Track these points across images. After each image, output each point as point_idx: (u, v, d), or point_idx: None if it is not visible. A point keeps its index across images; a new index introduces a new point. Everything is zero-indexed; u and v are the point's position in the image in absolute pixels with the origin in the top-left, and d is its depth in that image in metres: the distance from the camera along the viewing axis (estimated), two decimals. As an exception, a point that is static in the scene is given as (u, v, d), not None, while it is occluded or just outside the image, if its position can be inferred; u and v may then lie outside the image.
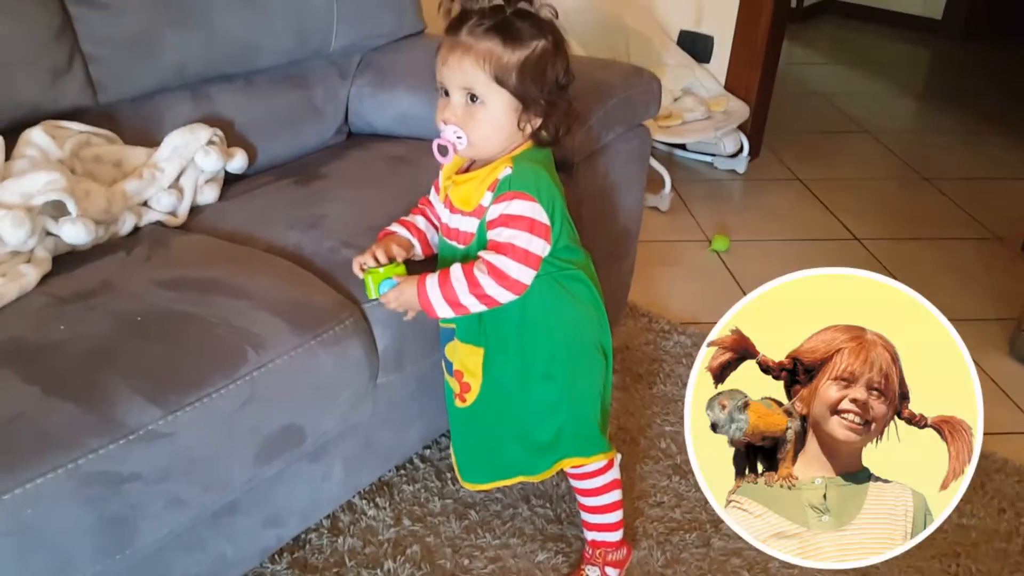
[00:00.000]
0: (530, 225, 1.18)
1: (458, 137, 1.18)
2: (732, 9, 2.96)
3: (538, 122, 1.21)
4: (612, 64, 1.87)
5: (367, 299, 1.31)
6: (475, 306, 1.19)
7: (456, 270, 1.19)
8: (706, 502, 1.61)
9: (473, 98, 1.17)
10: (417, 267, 1.30)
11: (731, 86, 3.05)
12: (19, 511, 0.96)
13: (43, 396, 1.05)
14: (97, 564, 1.05)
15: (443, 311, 1.21)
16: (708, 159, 3.14)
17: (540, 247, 1.19)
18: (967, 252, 2.66)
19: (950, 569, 1.53)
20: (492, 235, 1.20)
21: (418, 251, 1.38)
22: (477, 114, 1.17)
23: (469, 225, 1.24)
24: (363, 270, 1.28)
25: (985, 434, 1.86)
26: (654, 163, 2.80)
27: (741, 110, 2.94)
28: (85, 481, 1.01)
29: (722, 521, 1.58)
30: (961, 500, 1.64)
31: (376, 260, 1.28)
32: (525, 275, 1.19)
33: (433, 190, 1.38)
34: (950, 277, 2.50)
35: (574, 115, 1.26)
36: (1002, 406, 1.98)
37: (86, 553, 1.04)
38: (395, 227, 1.37)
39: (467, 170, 1.27)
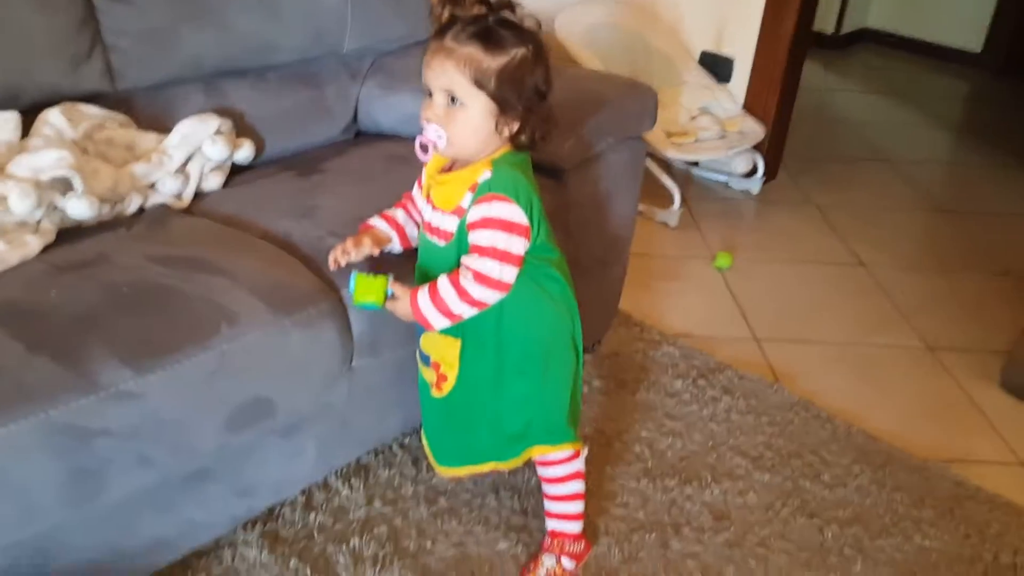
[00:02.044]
0: (509, 226, 1.24)
1: (439, 136, 1.25)
2: (753, 32, 2.99)
3: (516, 126, 1.27)
4: (609, 77, 1.93)
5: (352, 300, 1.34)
6: (469, 312, 1.26)
7: (443, 283, 1.26)
8: (670, 506, 1.67)
9: (454, 100, 1.23)
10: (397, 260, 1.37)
11: (749, 107, 3.08)
12: (-8, 454, 1.05)
13: (25, 352, 1.13)
14: (64, 512, 1.14)
15: (439, 323, 1.28)
16: (724, 179, 3.18)
17: (520, 246, 1.26)
18: (972, 284, 2.65)
19: (905, 588, 1.55)
20: (473, 237, 1.26)
21: (396, 245, 1.44)
22: (457, 115, 1.24)
23: (449, 224, 1.31)
24: (337, 264, 1.36)
25: (964, 462, 1.90)
26: (665, 179, 2.85)
27: (756, 131, 2.97)
28: (56, 432, 1.09)
29: (683, 525, 1.63)
30: (926, 523, 1.69)
31: (349, 255, 1.36)
32: (508, 274, 1.25)
33: (417, 186, 1.45)
34: (950, 307, 2.51)
35: (553, 122, 1.31)
36: (984, 435, 1.99)
37: (54, 501, 1.12)
38: (375, 220, 1.44)
39: (449, 170, 1.34)
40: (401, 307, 1.30)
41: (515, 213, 1.25)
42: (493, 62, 1.21)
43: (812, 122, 4.04)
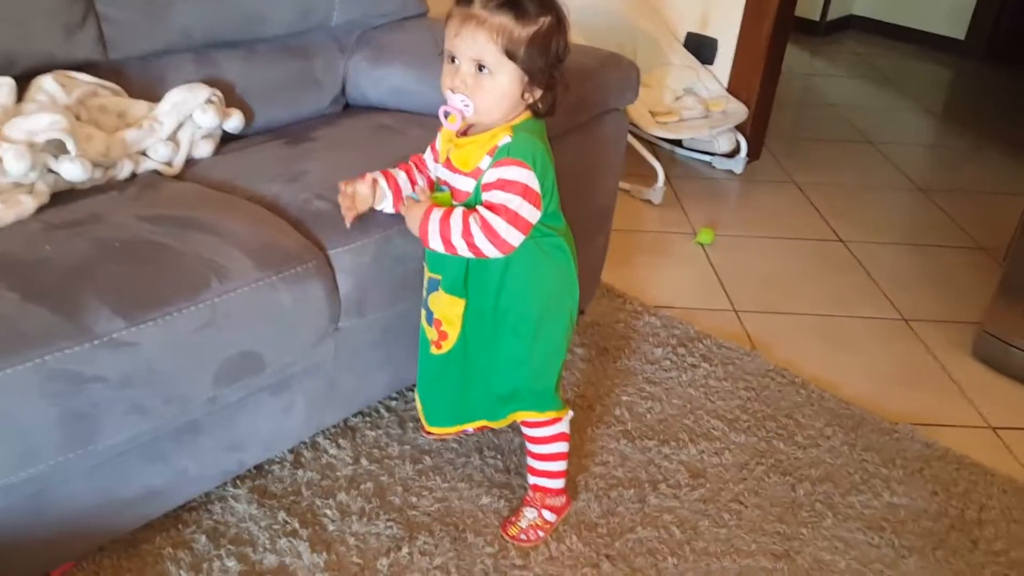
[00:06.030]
0: (523, 191, 1.27)
1: (465, 105, 1.28)
2: (737, 13, 3.04)
3: (539, 93, 1.31)
4: (592, 50, 1.97)
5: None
6: (463, 250, 1.30)
7: (457, 213, 1.30)
8: (648, 464, 1.72)
9: (481, 68, 1.26)
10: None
11: (733, 88, 3.13)
12: (-9, 396, 1.09)
13: (21, 301, 1.17)
14: (60, 455, 1.18)
15: (435, 243, 1.32)
16: (708, 159, 3.23)
17: (530, 213, 1.29)
18: (949, 259, 2.72)
19: (873, 541, 1.60)
20: (487, 196, 1.29)
21: (388, 205, 1.47)
22: (484, 83, 1.26)
23: (466, 184, 1.34)
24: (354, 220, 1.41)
25: (934, 425, 1.96)
26: (649, 157, 2.90)
27: (739, 111, 3.02)
28: (51, 376, 1.13)
29: (660, 482, 1.68)
30: (895, 482, 1.74)
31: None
32: (513, 236, 1.29)
33: (429, 151, 1.47)
34: (926, 280, 2.57)
35: (568, 87, 1.36)
36: (955, 401, 2.05)
37: (50, 443, 1.16)
38: (376, 175, 1.45)
39: (465, 133, 1.36)
40: (413, 215, 1.34)
41: (530, 179, 1.28)
42: (524, 31, 1.24)
43: (797, 106, 4.11)
